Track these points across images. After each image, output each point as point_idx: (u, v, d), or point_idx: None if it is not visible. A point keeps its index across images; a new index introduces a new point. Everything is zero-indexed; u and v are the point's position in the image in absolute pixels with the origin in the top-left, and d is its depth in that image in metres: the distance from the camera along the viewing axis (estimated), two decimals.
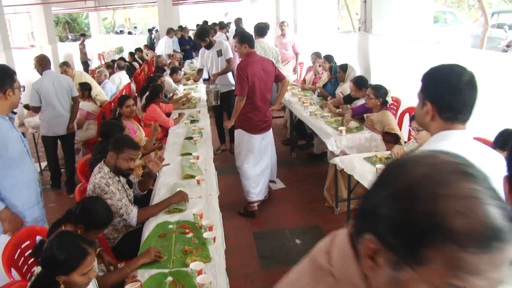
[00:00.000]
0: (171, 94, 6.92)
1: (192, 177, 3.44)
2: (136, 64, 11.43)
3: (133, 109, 4.65)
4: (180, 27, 13.48)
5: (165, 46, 11.42)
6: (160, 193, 3.26)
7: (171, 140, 4.61)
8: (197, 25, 13.85)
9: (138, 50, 13.30)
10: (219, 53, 6.05)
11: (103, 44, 18.52)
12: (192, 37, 12.31)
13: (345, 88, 5.37)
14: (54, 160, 5.38)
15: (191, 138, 4.45)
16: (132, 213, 2.90)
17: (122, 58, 11.43)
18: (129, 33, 21.95)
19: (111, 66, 8.72)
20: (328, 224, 4.23)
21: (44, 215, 3.08)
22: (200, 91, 7.17)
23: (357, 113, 4.75)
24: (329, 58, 6.48)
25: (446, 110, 1.46)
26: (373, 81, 5.61)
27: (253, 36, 4.71)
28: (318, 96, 6.07)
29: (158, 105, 5.39)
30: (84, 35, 16.49)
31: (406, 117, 4.67)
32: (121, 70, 8.14)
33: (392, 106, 4.79)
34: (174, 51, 11.63)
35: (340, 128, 4.31)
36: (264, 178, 4.63)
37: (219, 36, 9.08)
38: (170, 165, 3.74)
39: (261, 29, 6.36)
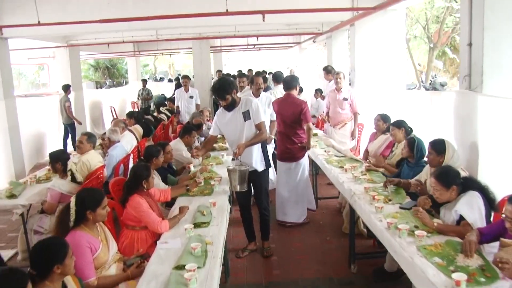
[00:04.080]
0: (181, 166, 5.04)
1: None
2: (164, 117, 9.79)
3: (103, 214, 2.85)
4: (219, 71, 11.96)
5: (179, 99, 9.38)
6: None
7: (150, 268, 2.68)
8: (218, 70, 12.31)
9: (170, 100, 11.73)
10: (246, 116, 4.14)
11: None
12: None
13: None
14: None
15: (183, 267, 2.56)
16: None
17: (148, 108, 9.90)
18: (170, 80, 20.90)
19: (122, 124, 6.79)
20: None
21: None
22: (226, 162, 5.11)
23: (488, 237, 2.65)
24: (400, 125, 4.56)
25: None
26: (484, 170, 3.60)
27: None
28: (391, 184, 3.89)
29: (147, 194, 3.54)
30: (69, 86, 10.25)
31: None
32: (125, 130, 6.37)
33: None
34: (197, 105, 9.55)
35: (457, 278, 2.23)
36: (292, 202, 5.24)
37: (246, 90, 6.45)
38: None
39: (279, 77, 6.85)
